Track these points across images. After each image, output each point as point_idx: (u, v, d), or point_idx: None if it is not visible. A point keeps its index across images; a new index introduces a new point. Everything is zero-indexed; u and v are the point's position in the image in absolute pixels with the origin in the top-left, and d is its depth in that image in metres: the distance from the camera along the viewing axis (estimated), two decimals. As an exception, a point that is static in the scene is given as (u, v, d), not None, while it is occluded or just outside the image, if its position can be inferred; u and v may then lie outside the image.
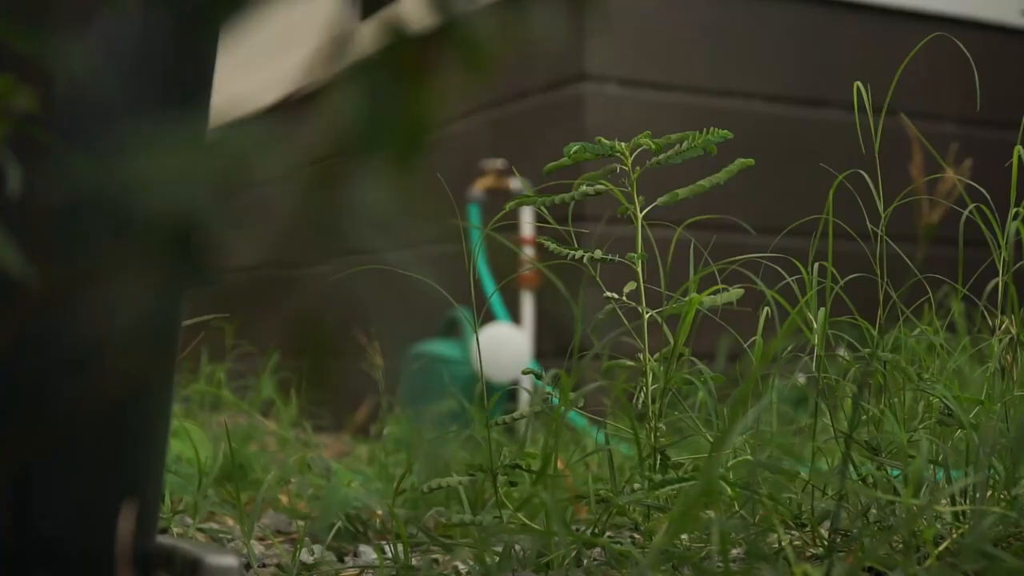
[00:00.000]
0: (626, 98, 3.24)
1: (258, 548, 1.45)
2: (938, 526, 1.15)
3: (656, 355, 1.38)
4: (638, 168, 1.39)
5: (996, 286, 1.43)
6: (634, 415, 1.36)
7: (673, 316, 1.37)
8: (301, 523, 1.66)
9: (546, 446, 1.41)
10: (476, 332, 1.52)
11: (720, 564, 1.05)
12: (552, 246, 1.41)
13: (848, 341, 1.47)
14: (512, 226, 3.23)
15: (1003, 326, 1.39)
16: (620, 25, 3.24)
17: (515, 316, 3.21)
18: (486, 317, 3.17)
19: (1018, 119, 1.43)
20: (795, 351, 1.51)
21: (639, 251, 1.38)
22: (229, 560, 0.97)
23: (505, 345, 3.02)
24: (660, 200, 1.40)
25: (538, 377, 1.46)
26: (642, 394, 1.38)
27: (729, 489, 1.27)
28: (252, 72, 4.47)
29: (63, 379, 0.91)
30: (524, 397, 2.98)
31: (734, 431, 1.18)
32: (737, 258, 1.45)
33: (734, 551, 1.30)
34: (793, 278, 1.42)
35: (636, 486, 1.39)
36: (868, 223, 1.41)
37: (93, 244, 0.88)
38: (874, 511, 1.25)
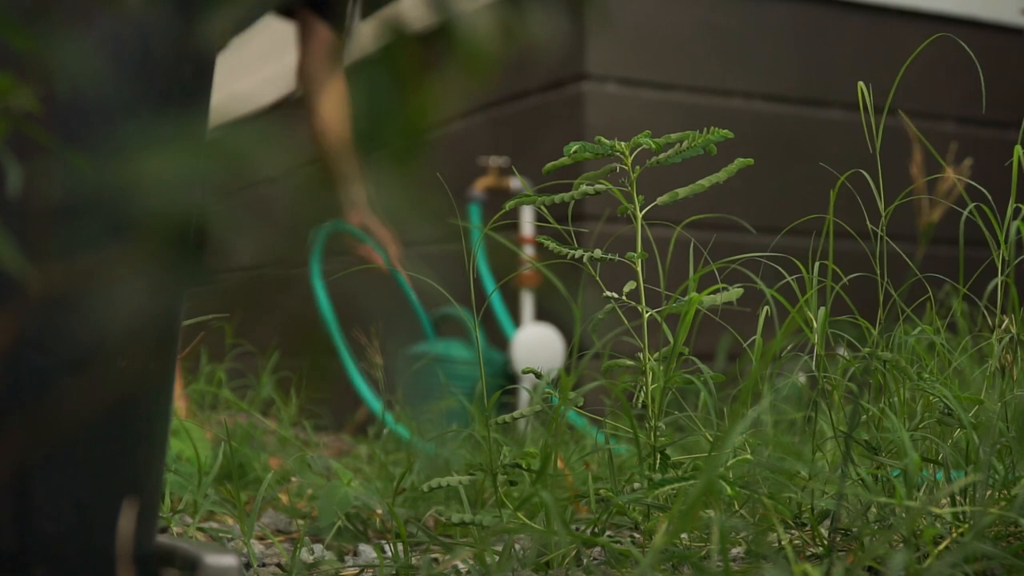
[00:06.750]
0: (626, 98, 3.24)
1: (258, 547, 1.46)
2: (938, 526, 1.15)
3: (656, 354, 1.38)
4: (638, 167, 1.39)
5: (996, 286, 1.43)
6: (634, 415, 1.36)
7: (673, 315, 1.38)
8: (301, 522, 1.66)
9: (546, 445, 1.41)
10: (476, 332, 1.52)
11: (720, 563, 1.06)
12: (552, 245, 1.41)
13: (848, 340, 1.47)
14: (512, 225, 3.23)
15: (1003, 325, 1.39)
16: (620, 25, 3.24)
17: (515, 315, 3.22)
18: (485, 316, 3.17)
19: (1018, 119, 1.43)
20: (795, 350, 1.51)
21: (639, 250, 1.38)
22: (229, 559, 0.97)
23: (543, 346, 3.07)
24: (660, 199, 1.40)
25: (538, 376, 1.46)
26: (642, 393, 1.38)
27: (729, 488, 1.27)
28: (252, 72, 4.47)
29: (63, 378, 0.91)
30: (524, 396, 2.99)
31: (734, 431, 1.18)
32: (737, 257, 1.45)
33: (734, 550, 1.30)
34: (793, 277, 1.42)
35: (636, 485, 1.39)
36: (868, 222, 1.41)
37: (93, 244, 0.88)
38: (874, 510, 1.25)
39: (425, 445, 1.83)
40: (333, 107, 2.80)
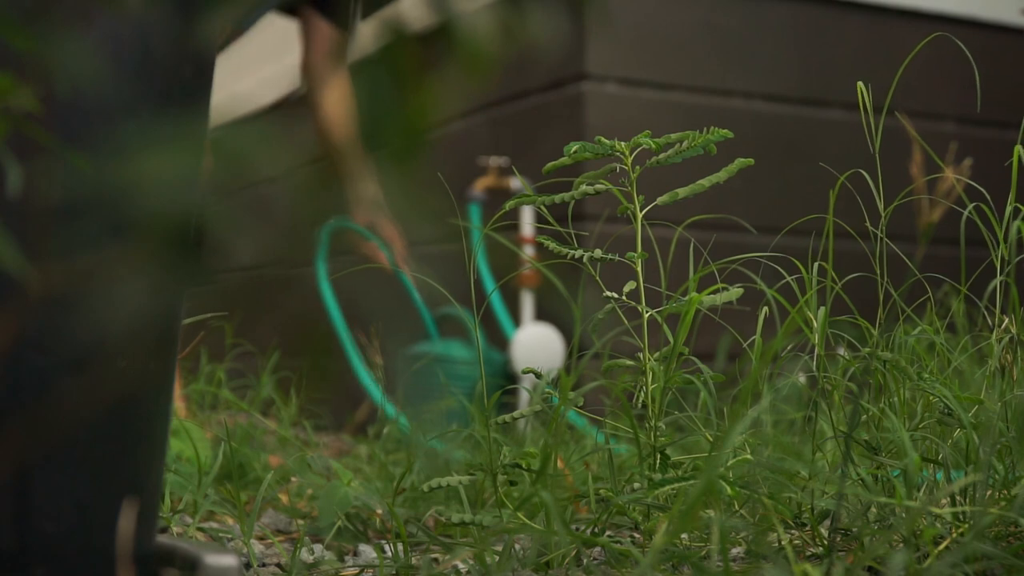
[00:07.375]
0: (626, 98, 3.24)
1: (258, 547, 1.46)
2: (938, 526, 1.15)
3: (656, 354, 1.38)
4: (638, 167, 1.39)
5: (996, 286, 1.43)
6: (634, 415, 1.36)
7: (673, 315, 1.38)
8: (301, 522, 1.66)
9: (546, 445, 1.41)
10: (476, 332, 1.52)
11: (720, 563, 1.06)
12: (552, 245, 1.41)
13: (848, 340, 1.47)
14: (512, 225, 3.23)
15: (1003, 325, 1.39)
16: (620, 25, 3.24)
17: (515, 316, 3.22)
18: (485, 316, 3.17)
19: (1018, 119, 1.43)
20: (795, 350, 1.51)
21: (639, 250, 1.38)
22: (228, 559, 0.97)
23: (542, 346, 3.08)
24: (660, 199, 1.40)
25: (538, 376, 1.46)
26: (642, 394, 1.38)
27: (729, 488, 1.27)
28: (252, 72, 4.47)
29: (63, 378, 0.91)
30: (524, 396, 2.99)
31: (734, 431, 1.18)
32: (737, 257, 1.45)
33: (734, 550, 1.30)
34: (793, 277, 1.42)
35: (636, 485, 1.39)
36: (868, 223, 1.41)
37: (93, 244, 0.88)
38: (874, 510, 1.25)
39: (428, 441, 1.83)
40: (337, 104, 2.80)
